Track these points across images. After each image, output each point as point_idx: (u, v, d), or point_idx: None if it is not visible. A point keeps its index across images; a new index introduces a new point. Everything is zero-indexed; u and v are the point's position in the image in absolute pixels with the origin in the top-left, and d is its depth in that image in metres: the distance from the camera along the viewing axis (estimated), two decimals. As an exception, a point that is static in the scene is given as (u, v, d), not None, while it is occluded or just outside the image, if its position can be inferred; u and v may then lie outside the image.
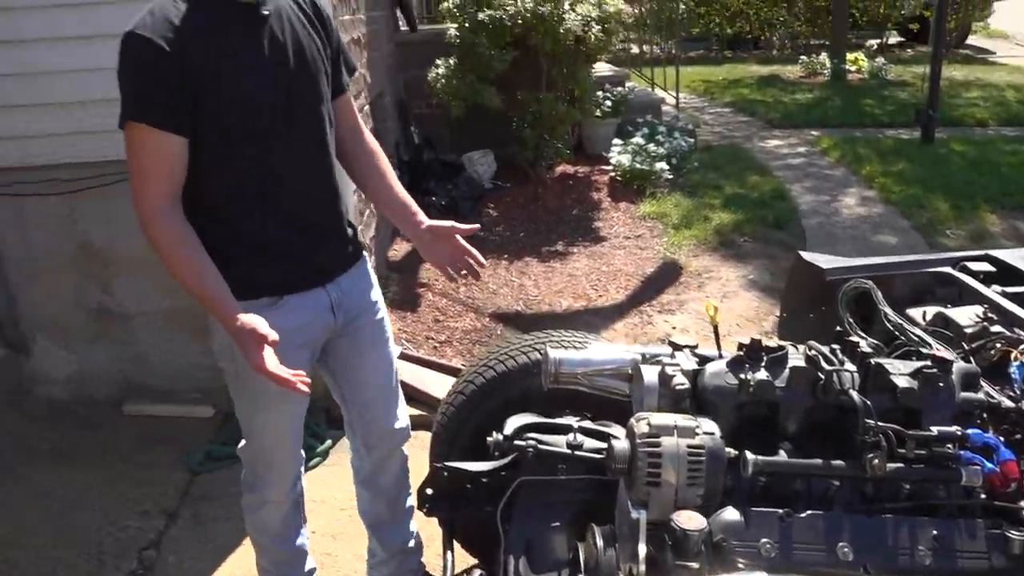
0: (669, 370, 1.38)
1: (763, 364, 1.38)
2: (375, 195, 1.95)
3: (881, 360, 1.38)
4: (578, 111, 5.92)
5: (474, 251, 1.85)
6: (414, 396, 3.39)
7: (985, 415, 1.38)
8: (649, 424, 1.21)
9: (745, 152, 7.35)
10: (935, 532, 1.25)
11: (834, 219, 5.55)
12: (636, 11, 8.03)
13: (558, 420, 1.92)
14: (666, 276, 4.67)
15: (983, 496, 1.28)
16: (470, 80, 5.47)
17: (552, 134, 5.85)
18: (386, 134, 5.47)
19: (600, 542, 1.24)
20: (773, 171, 6.69)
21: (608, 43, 5.70)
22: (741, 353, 1.39)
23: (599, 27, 5.49)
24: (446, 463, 1.89)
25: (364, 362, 1.95)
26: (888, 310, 1.72)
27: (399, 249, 5.06)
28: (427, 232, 1.85)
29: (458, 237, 1.85)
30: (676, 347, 1.63)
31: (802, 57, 12.15)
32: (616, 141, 6.27)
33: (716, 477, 1.19)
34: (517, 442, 1.80)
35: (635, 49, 10.16)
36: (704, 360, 1.47)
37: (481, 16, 5.42)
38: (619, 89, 6.78)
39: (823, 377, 1.33)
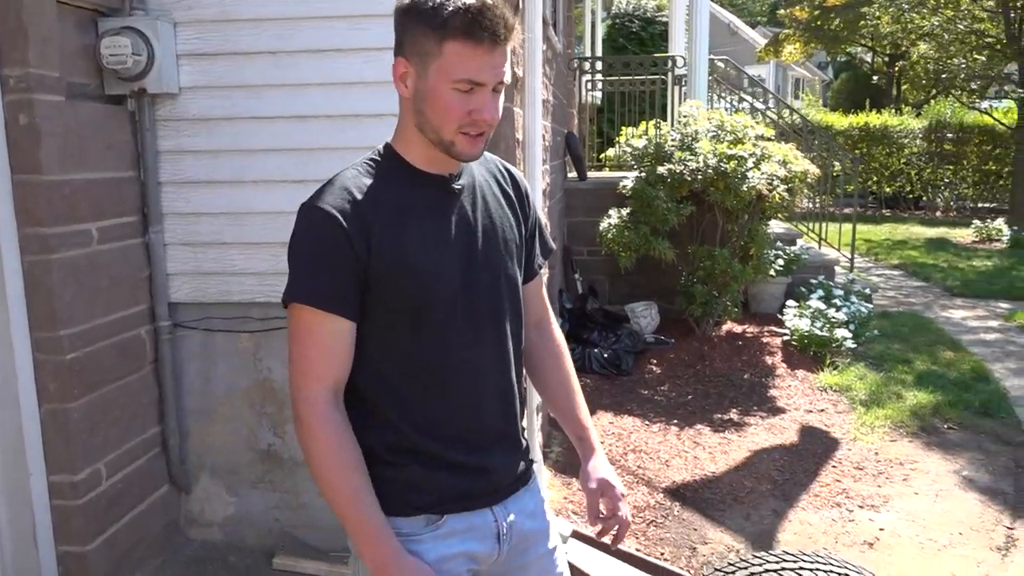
0: None
1: None
2: (552, 402, 1.69)
3: None
4: (751, 269, 5.61)
5: (626, 521, 1.60)
6: (585, 585, 3.00)
7: None
8: None
9: (929, 322, 6.75)
10: None
11: (1054, 411, 4.86)
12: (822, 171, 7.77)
13: None
14: (862, 463, 4.12)
15: None
16: (643, 232, 5.30)
17: (723, 291, 5.54)
18: (553, 280, 5.34)
19: None
20: (966, 347, 6.05)
21: (792, 203, 5.43)
22: None
23: (785, 187, 5.24)
24: None
25: None
26: None
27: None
28: (592, 476, 1.60)
29: (619, 503, 1.59)
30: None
31: (975, 221, 11.46)
32: (791, 303, 5.87)
33: None
34: None
35: (804, 204, 9.87)
36: None
37: (660, 170, 5.31)
38: (792, 248, 6.45)
39: None
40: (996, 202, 13.94)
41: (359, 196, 1.35)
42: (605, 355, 5.26)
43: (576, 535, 3.37)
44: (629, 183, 5.55)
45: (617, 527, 1.60)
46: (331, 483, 1.34)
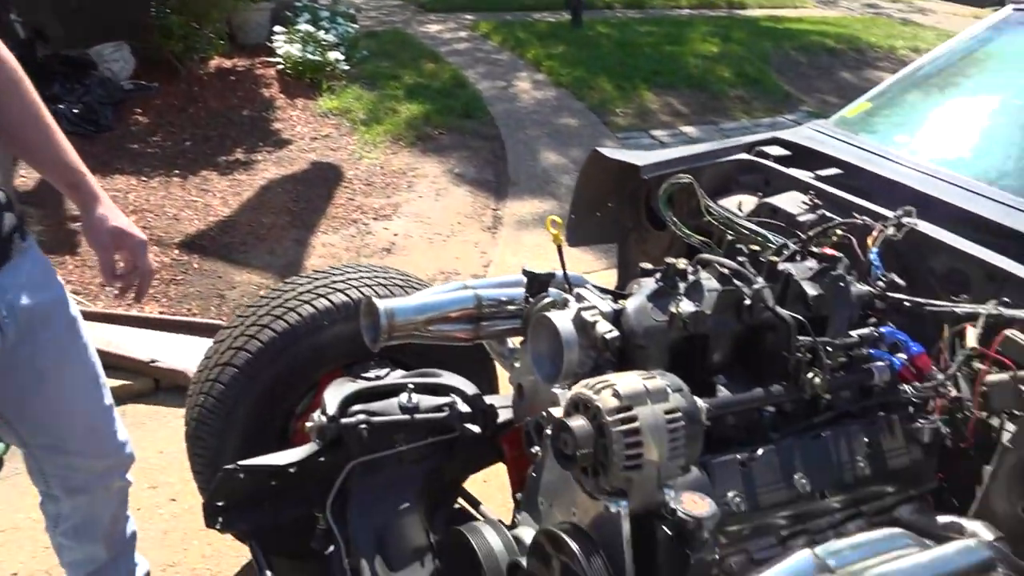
0: (587, 315, 1.12)
1: (682, 292, 1.17)
2: (22, 144, 1.34)
3: (787, 267, 1.26)
4: (231, -7, 5.09)
5: (149, 270, 1.45)
6: (111, 364, 2.70)
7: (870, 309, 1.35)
8: (617, 393, 0.95)
9: (411, 38, 7.04)
10: (866, 439, 1.20)
11: (517, 104, 5.58)
12: None
13: (384, 380, 1.58)
14: (370, 179, 4.30)
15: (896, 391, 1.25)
16: (90, -48, 4.35)
17: (204, 21, 4.97)
18: (-22, 24, 4.17)
19: (579, 552, 0.95)
20: (445, 58, 6.50)
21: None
22: (662, 283, 1.17)
23: None
24: (241, 463, 1.46)
25: (51, 389, 1.39)
26: (712, 204, 1.63)
27: (29, 175, 3.98)
28: (102, 227, 1.37)
29: (140, 252, 1.42)
30: (533, 277, 1.37)
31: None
32: (279, 29, 5.54)
33: (695, 442, 0.98)
34: (345, 420, 1.44)
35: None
36: (610, 294, 1.23)
37: None
38: (271, -32, 5.97)
39: (747, 297, 1.17)
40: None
41: None
42: (75, 110, 4.44)
43: (87, 316, 2.97)
44: None
45: (139, 280, 1.43)
46: None
